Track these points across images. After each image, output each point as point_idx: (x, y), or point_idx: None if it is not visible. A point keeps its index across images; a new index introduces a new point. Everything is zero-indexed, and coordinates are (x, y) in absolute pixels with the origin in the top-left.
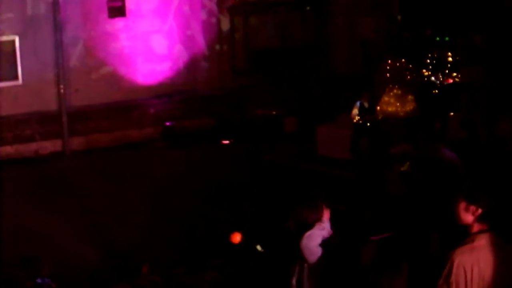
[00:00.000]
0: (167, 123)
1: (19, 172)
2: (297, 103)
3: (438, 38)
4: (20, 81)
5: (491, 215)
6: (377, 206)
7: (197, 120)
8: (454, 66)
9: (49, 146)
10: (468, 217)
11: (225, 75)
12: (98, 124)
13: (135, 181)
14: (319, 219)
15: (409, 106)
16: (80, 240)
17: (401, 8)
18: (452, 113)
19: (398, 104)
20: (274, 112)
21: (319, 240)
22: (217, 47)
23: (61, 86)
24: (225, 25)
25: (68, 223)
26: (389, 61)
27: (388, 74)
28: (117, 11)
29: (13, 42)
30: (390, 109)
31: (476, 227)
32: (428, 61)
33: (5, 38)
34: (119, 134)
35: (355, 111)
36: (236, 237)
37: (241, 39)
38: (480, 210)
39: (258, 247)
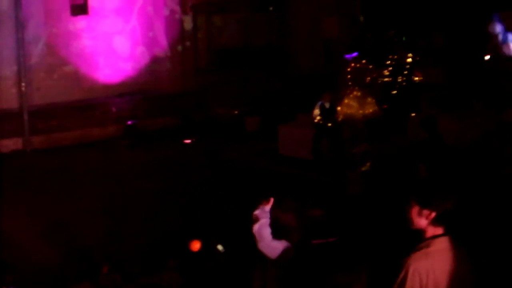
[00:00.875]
0: (129, 122)
1: None
2: (259, 102)
3: (403, 38)
4: None
5: (445, 218)
6: (331, 207)
7: (160, 119)
8: (413, 67)
9: (10, 144)
10: (421, 222)
11: (187, 74)
12: (60, 122)
13: (96, 180)
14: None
15: (369, 108)
16: (41, 239)
17: (364, 8)
18: (413, 114)
19: (358, 106)
20: (236, 111)
21: (267, 229)
22: (180, 46)
23: (23, 84)
24: (188, 24)
25: (28, 222)
26: (352, 63)
27: (349, 76)
28: (80, 9)
29: None
30: (349, 111)
31: (430, 232)
32: (388, 62)
33: None
34: (81, 133)
35: (316, 111)
36: (195, 245)
37: (204, 38)
38: (433, 214)
39: (219, 247)
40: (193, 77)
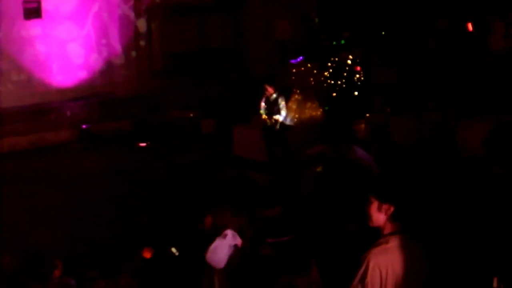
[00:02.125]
0: (84, 126)
1: None
2: (214, 104)
3: (342, 42)
4: None
5: (402, 214)
6: (285, 207)
7: (115, 122)
8: (353, 69)
9: None
10: (380, 217)
11: (142, 77)
12: (13, 127)
13: (51, 184)
14: (233, 226)
15: (310, 112)
16: None
17: (319, 9)
18: (367, 115)
19: (297, 109)
20: (191, 114)
21: (225, 251)
22: (134, 50)
23: None
24: (142, 27)
25: None
26: (295, 67)
27: (293, 78)
28: (33, 12)
29: None
30: (292, 114)
31: (388, 228)
32: (329, 64)
33: None
34: (35, 137)
35: (262, 104)
36: (147, 253)
37: (158, 41)
38: (392, 208)
39: (173, 250)
40: (148, 80)
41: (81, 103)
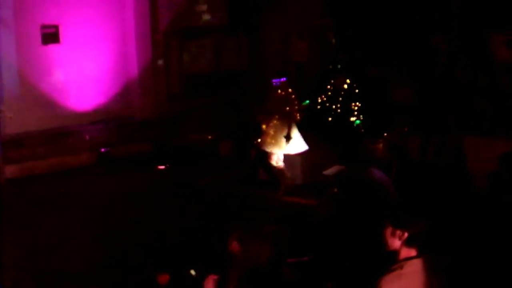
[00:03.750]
0: (103, 149)
1: None
2: (232, 126)
3: (338, 66)
4: None
5: (418, 239)
6: (298, 229)
7: (133, 145)
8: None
9: None
10: (395, 243)
11: (160, 100)
12: (33, 151)
13: (71, 207)
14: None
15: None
16: (16, 266)
17: (336, 31)
18: (385, 134)
19: (273, 135)
20: (209, 136)
21: None
22: (152, 72)
23: None
24: (160, 50)
25: (3, 251)
26: (278, 90)
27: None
28: (51, 37)
29: None
30: (268, 139)
31: (403, 253)
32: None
33: None
34: (55, 161)
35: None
36: (163, 278)
37: (176, 64)
38: (406, 234)
39: (192, 272)
40: (165, 103)
41: (99, 126)
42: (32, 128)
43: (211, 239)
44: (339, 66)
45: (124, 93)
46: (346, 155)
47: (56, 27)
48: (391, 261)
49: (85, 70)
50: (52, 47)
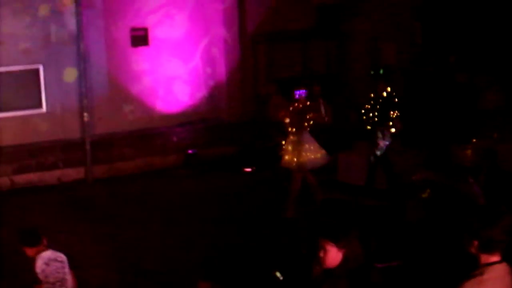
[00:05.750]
0: (190, 151)
1: (44, 198)
2: (319, 129)
3: (381, 71)
4: (44, 109)
5: (497, 245)
6: (384, 234)
7: (220, 147)
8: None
9: (72, 173)
10: (472, 249)
11: (247, 103)
12: (121, 152)
13: (157, 207)
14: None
15: (311, 154)
16: (104, 263)
17: (424, 33)
18: (474, 140)
19: (292, 151)
20: None
21: None
22: (240, 75)
23: (85, 115)
24: (247, 53)
25: (91, 248)
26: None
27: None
28: (141, 40)
29: (37, 71)
30: (288, 156)
31: (484, 259)
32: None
33: (29, 67)
34: (142, 162)
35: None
36: (204, 286)
37: (263, 67)
38: (476, 242)
39: (278, 274)
40: (252, 106)
41: (186, 128)
42: (121, 129)
43: (298, 242)
44: (381, 72)
45: (212, 96)
46: (432, 160)
47: (145, 29)
48: (474, 267)
49: (174, 72)
50: (141, 50)
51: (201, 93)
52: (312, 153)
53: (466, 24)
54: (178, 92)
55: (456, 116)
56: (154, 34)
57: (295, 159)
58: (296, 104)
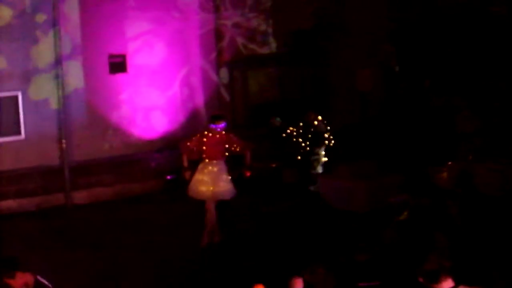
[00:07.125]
0: (168, 177)
1: (23, 225)
2: (296, 154)
3: None
4: (23, 136)
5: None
6: (374, 252)
7: None
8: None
9: (52, 200)
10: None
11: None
12: (100, 178)
13: (137, 232)
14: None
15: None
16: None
17: (399, 59)
18: (449, 163)
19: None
20: (274, 165)
21: None
22: (217, 102)
23: (63, 141)
24: (224, 80)
25: (70, 276)
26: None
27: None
28: (118, 67)
29: (16, 98)
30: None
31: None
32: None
33: (8, 93)
34: (121, 188)
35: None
36: None
37: (240, 94)
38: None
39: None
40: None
41: (165, 154)
42: (100, 155)
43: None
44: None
45: (190, 122)
46: (409, 183)
47: (123, 56)
48: None
49: (152, 99)
50: (119, 76)
51: (179, 119)
52: (226, 184)
53: (440, 48)
54: (156, 118)
55: (432, 139)
56: (133, 60)
57: (211, 189)
58: (211, 135)
